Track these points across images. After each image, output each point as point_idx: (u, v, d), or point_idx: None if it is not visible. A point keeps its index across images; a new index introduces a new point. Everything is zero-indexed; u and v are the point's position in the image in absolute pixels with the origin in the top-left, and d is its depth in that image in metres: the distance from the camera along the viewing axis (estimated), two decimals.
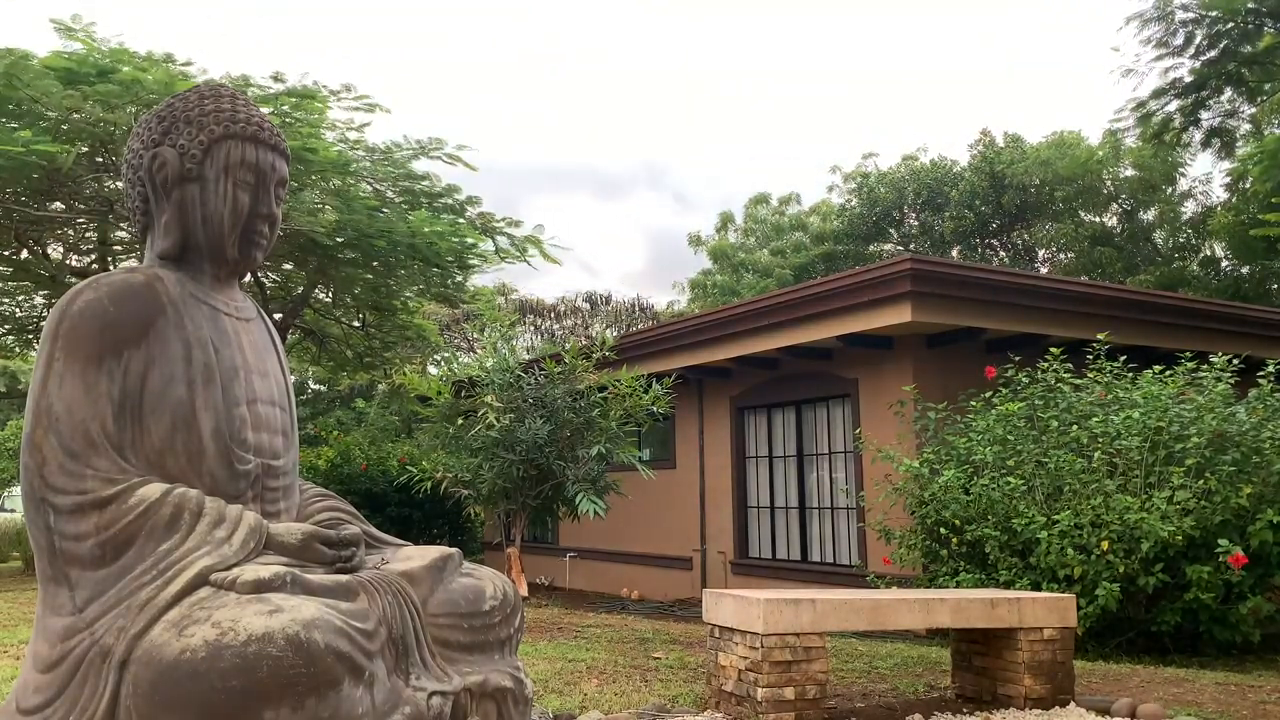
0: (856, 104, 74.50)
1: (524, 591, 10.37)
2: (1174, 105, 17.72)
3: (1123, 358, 8.81)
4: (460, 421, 10.48)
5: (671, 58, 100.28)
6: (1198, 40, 16.46)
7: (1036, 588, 7.22)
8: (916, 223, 26.36)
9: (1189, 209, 22.74)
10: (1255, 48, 15.86)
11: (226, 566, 2.26)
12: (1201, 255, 22.32)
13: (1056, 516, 7.32)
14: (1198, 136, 18.83)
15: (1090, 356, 8.53)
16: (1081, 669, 5.95)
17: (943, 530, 8.17)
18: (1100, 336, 8.75)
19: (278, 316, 13.42)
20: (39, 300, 14.51)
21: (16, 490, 23.90)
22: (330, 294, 14.52)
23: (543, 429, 9.65)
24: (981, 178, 24.27)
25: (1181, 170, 21.89)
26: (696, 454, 12.89)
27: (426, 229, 11.51)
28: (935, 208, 25.59)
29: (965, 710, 4.89)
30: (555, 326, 28.44)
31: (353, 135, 12.11)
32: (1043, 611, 4.99)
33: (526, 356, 12.88)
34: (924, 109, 62.03)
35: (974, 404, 8.83)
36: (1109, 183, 22.65)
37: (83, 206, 11.58)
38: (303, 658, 2.03)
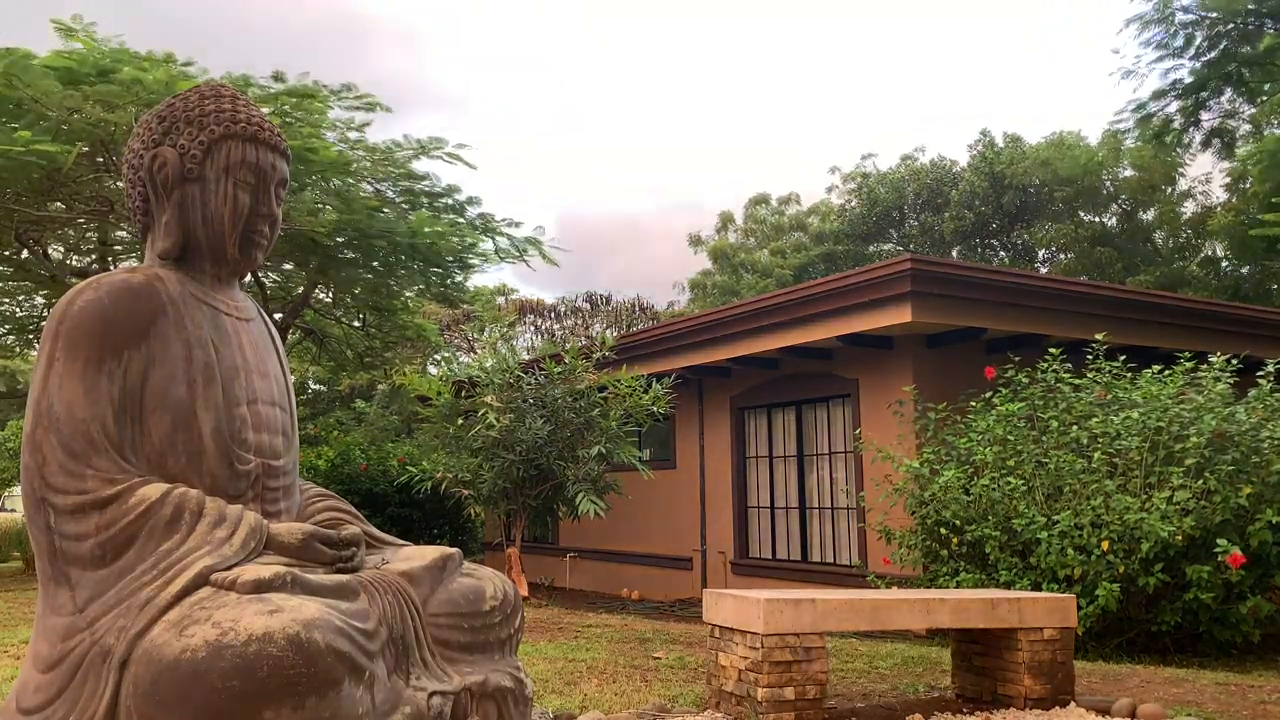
0: (856, 104, 74.49)
1: (524, 591, 10.36)
2: (1174, 106, 17.74)
3: (1123, 358, 8.80)
4: (460, 421, 10.48)
5: (671, 57, 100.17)
6: (1198, 42, 16.49)
7: (1036, 588, 7.22)
8: (916, 223, 26.36)
9: (1189, 209, 22.74)
10: (1255, 48, 15.86)
11: (227, 566, 2.26)
12: (1201, 255, 22.31)
13: (1056, 517, 7.32)
14: (1198, 137, 18.84)
15: (1090, 356, 8.52)
16: (1081, 669, 5.95)
17: (943, 530, 8.17)
18: (1100, 336, 8.74)
19: (278, 316, 13.42)
20: (39, 300, 14.53)
21: (17, 490, 23.88)
22: (330, 294, 14.53)
23: (543, 429, 9.65)
24: (981, 178, 24.27)
25: (1181, 170, 21.89)
26: (696, 454, 12.89)
27: (427, 229, 11.52)
28: (935, 208, 25.59)
29: (965, 710, 4.89)
30: (555, 326, 28.40)
31: (353, 135, 12.12)
32: (1043, 612, 4.98)
33: (526, 356, 12.86)
34: (924, 109, 62.01)
35: (974, 404, 8.82)
36: (1109, 183, 22.65)
37: (83, 206, 11.59)
38: (303, 658, 2.03)
